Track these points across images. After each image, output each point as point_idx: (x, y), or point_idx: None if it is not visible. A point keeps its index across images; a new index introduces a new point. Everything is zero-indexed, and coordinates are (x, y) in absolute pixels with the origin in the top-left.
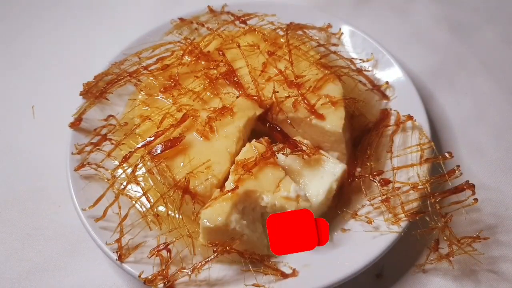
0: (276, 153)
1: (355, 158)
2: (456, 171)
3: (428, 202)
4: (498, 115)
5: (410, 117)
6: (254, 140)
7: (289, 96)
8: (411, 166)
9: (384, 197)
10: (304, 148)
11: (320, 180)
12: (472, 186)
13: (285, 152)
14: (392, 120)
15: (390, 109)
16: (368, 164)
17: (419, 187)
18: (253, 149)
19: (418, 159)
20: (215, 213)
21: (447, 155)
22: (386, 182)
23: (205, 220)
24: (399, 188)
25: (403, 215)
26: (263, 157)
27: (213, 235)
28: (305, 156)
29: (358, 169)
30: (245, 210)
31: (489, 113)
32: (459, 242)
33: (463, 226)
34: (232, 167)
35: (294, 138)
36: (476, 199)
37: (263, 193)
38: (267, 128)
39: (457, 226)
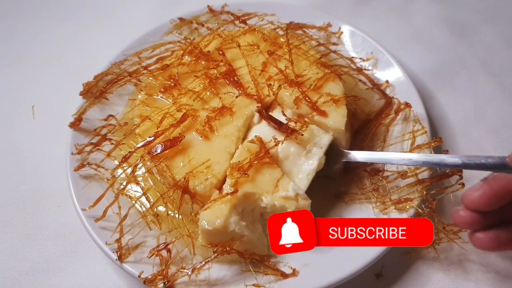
0: (269, 150)
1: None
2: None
3: (415, 189)
4: (498, 115)
5: (407, 105)
6: (247, 141)
7: (279, 87)
8: None
9: (373, 186)
10: (296, 127)
11: (307, 154)
12: (459, 171)
13: (280, 140)
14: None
15: (393, 97)
16: None
17: (407, 174)
18: (246, 151)
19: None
20: (214, 216)
21: (437, 141)
22: (375, 172)
23: (204, 223)
24: (387, 177)
25: (390, 202)
26: (257, 158)
27: (213, 236)
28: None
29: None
30: (244, 212)
31: (489, 113)
32: (444, 229)
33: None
34: (228, 170)
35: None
36: (463, 184)
37: (262, 195)
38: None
39: (450, 218)
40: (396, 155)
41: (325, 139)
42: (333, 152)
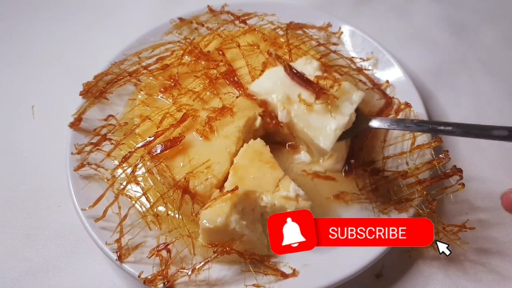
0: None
1: (352, 153)
2: (444, 156)
3: (415, 189)
4: (498, 115)
5: (408, 105)
6: (252, 140)
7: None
8: (400, 155)
9: (373, 186)
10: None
11: (336, 110)
12: (459, 171)
13: (310, 103)
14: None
15: (393, 97)
16: (360, 154)
17: (407, 175)
18: (251, 150)
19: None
20: (215, 214)
21: (437, 141)
22: (376, 172)
23: (204, 221)
24: (387, 177)
25: (390, 202)
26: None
27: (213, 235)
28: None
29: (352, 161)
30: (245, 211)
31: (489, 113)
32: (444, 229)
33: (455, 216)
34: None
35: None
36: (463, 184)
37: (262, 193)
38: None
39: (449, 218)
40: (431, 122)
41: (358, 96)
42: (357, 116)
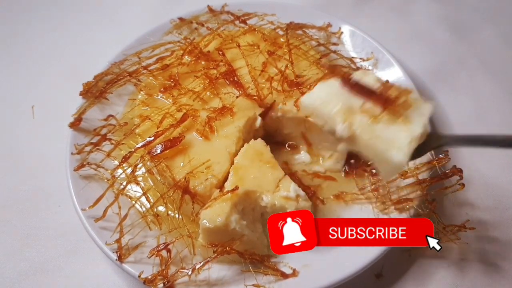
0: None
1: (352, 153)
2: (444, 156)
3: (415, 189)
4: (498, 115)
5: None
6: (252, 140)
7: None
8: None
9: (373, 186)
10: (394, 95)
11: (405, 120)
12: (459, 171)
13: (379, 114)
14: None
15: None
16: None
17: (407, 175)
18: (251, 150)
19: None
20: (215, 214)
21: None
22: (376, 172)
23: (205, 221)
24: None
25: (390, 202)
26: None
27: (213, 235)
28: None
29: (352, 161)
30: (245, 211)
31: (489, 113)
32: (444, 230)
33: (455, 216)
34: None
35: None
36: (463, 184)
37: (262, 193)
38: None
39: (449, 218)
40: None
41: (427, 108)
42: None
